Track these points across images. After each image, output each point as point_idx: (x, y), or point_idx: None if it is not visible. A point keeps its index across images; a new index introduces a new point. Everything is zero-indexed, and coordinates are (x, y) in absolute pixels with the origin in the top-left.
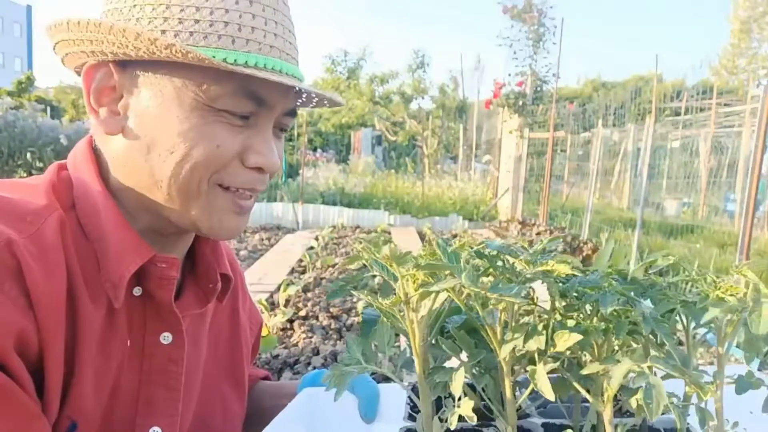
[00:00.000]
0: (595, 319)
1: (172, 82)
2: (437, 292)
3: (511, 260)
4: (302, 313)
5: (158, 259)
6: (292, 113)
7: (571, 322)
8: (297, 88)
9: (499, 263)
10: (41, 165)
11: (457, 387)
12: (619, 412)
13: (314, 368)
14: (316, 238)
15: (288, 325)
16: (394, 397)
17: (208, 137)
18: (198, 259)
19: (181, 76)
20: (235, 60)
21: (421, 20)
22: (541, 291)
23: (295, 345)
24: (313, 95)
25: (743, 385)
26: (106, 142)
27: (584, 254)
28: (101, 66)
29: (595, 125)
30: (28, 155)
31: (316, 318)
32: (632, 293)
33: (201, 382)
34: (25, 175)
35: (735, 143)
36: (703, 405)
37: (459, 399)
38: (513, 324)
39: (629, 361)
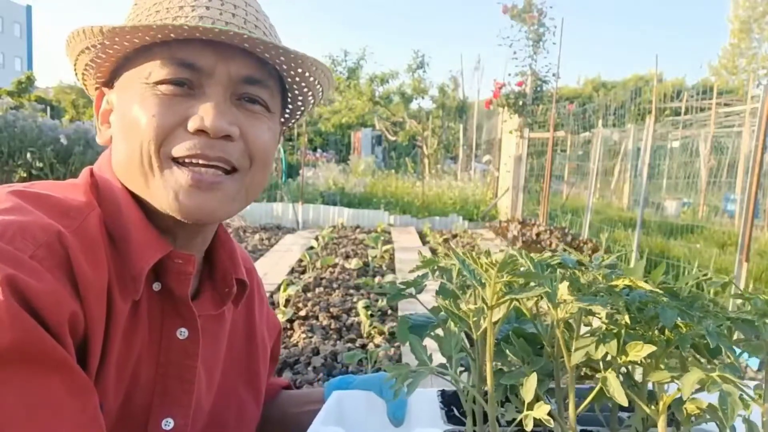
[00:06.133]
0: (656, 331)
1: (128, 80)
2: (512, 300)
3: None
4: (302, 313)
5: (175, 255)
6: (255, 81)
7: (635, 334)
8: (280, 64)
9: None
10: (41, 165)
11: (529, 391)
12: (647, 421)
13: (314, 368)
14: (316, 238)
15: (288, 325)
16: (421, 401)
17: (145, 110)
18: (216, 265)
19: (131, 72)
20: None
21: (420, 20)
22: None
23: (295, 345)
24: (300, 62)
25: None
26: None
27: (584, 254)
28: (102, 94)
29: (595, 125)
30: (28, 155)
31: (316, 318)
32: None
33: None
34: (25, 175)
35: (735, 143)
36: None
37: (530, 403)
38: (577, 333)
39: (698, 370)
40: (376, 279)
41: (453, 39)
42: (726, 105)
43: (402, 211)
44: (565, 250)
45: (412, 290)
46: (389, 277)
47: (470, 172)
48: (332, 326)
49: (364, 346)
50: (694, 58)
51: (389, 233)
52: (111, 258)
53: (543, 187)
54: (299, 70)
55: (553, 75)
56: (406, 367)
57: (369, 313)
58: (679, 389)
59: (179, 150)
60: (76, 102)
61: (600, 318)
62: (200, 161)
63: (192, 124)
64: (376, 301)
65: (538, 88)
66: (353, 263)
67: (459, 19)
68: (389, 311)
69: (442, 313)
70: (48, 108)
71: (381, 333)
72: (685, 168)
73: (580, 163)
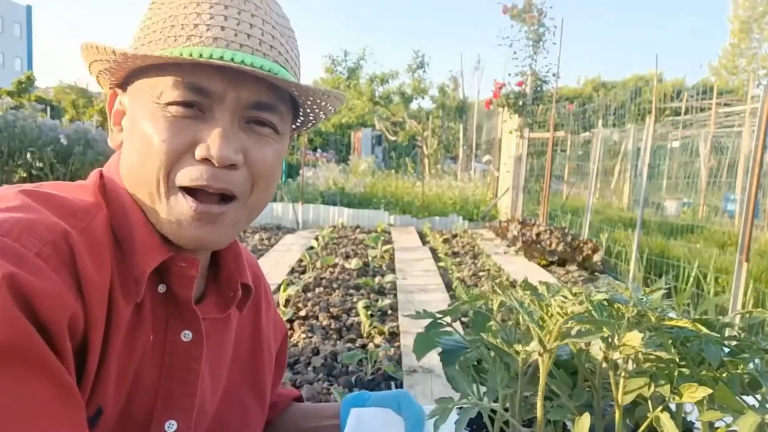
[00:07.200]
0: (703, 368)
1: (140, 89)
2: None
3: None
4: (302, 313)
5: (179, 258)
6: (265, 106)
7: (686, 372)
8: (294, 86)
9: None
10: (41, 165)
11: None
12: None
13: (314, 368)
14: (316, 238)
15: (288, 325)
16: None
17: (155, 133)
18: (221, 268)
19: (144, 82)
20: (171, 53)
21: (421, 20)
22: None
23: (295, 345)
24: (311, 94)
25: None
26: None
27: (584, 254)
28: (116, 94)
29: (595, 125)
30: (28, 155)
31: (316, 318)
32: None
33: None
34: (25, 175)
35: (735, 143)
36: None
37: None
38: (624, 372)
39: (753, 413)
40: (376, 279)
41: (453, 39)
42: (726, 105)
43: (402, 211)
44: (607, 280)
45: (448, 319)
46: (389, 277)
47: (470, 172)
48: (332, 326)
49: (364, 346)
50: (694, 58)
51: (389, 233)
52: (115, 259)
53: (543, 187)
54: (311, 97)
55: (553, 75)
56: (451, 401)
57: (369, 313)
58: (727, 426)
59: (184, 179)
60: (76, 102)
61: (644, 354)
62: (204, 190)
63: (199, 153)
64: (376, 301)
65: (538, 88)
66: (353, 263)
67: (459, 19)
68: (389, 311)
69: (476, 340)
70: (48, 108)
71: (381, 333)
72: (685, 168)
73: (580, 163)
